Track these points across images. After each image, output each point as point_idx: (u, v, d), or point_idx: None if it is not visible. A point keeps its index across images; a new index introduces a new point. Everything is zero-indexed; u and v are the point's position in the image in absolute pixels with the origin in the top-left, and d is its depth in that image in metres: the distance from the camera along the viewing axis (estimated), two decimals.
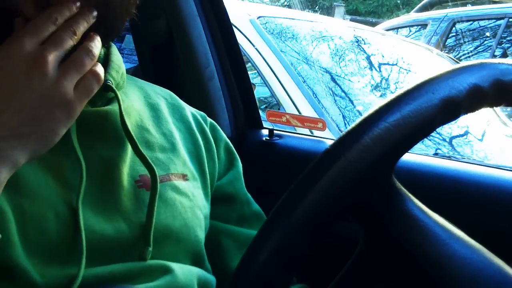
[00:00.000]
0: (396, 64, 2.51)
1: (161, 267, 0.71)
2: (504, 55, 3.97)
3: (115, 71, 0.75)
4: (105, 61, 0.75)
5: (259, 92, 2.13)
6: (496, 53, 3.94)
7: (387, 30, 4.24)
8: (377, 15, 13.15)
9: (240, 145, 1.34)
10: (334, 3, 13.13)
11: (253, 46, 2.14)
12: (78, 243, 0.65)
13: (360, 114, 2.12)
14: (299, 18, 2.57)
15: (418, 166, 1.09)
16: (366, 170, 0.50)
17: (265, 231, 0.51)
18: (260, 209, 0.89)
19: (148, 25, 1.31)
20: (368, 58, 2.48)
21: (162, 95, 0.86)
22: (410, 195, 0.56)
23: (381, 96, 2.34)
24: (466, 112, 0.55)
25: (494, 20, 4.03)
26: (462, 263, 0.53)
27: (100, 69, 0.65)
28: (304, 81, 2.12)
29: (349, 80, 2.33)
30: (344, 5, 13.31)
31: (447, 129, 2.12)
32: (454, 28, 4.13)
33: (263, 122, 1.41)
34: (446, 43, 4.12)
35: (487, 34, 4.03)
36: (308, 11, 11.62)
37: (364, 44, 2.53)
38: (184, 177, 0.78)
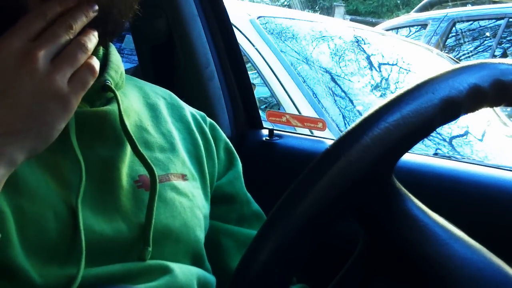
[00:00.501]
0: (396, 64, 2.51)
1: (160, 267, 0.71)
2: (504, 55, 3.97)
3: (114, 71, 0.75)
4: (104, 61, 0.75)
5: (259, 92, 2.13)
6: (496, 53, 3.94)
7: (387, 30, 4.24)
8: (377, 15, 13.15)
9: (240, 145, 1.34)
10: (334, 3, 13.13)
11: (253, 46, 2.14)
12: (77, 243, 0.65)
13: (360, 114, 2.12)
14: (299, 18, 2.57)
15: (418, 166, 1.09)
16: (366, 170, 0.50)
17: (265, 231, 0.51)
18: (260, 209, 0.89)
19: (148, 25, 1.31)
20: (368, 58, 2.47)
21: (161, 95, 0.86)
22: (410, 195, 0.56)
23: (381, 96, 2.34)
24: (466, 112, 0.55)
25: (494, 20, 4.03)
26: (462, 263, 0.53)
27: (95, 62, 0.64)
28: (304, 81, 2.12)
29: (349, 80, 2.32)
30: (344, 5, 13.31)
31: (447, 129, 2.12)
32: (454, 28, 4.13)
33: (263, 122, 1.41)
34: (446, 43, 4.12)
35: (487, 34, 4.03)
36: (308, 11, 11.63)
37: (364, 44, 2.53)
38: (184, 177, 0.78)
